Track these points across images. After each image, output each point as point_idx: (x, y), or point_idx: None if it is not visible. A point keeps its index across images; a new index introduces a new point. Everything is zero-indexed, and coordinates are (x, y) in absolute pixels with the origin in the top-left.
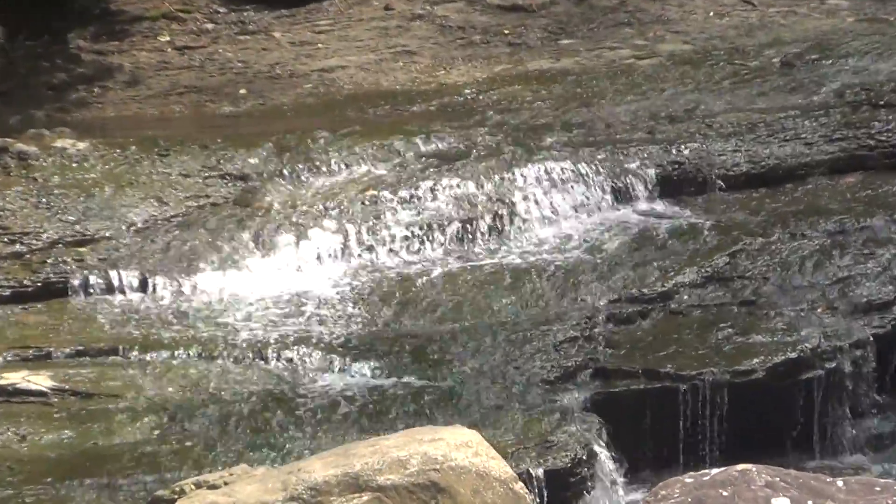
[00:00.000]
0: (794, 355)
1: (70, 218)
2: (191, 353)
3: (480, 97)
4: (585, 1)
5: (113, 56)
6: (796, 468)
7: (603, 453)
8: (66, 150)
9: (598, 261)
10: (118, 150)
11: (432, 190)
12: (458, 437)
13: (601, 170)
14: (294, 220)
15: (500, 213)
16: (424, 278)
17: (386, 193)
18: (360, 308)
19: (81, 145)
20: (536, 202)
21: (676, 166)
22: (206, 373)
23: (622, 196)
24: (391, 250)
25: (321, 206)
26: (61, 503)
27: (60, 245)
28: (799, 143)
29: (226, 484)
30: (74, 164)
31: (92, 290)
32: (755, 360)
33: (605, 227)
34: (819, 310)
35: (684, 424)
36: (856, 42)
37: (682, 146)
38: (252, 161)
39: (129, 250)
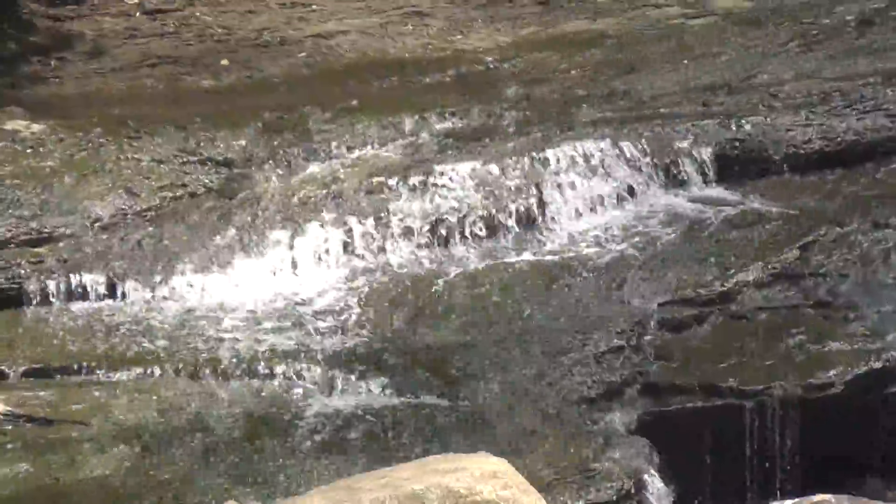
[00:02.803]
0: (877, 365)
1: (24, 213)
2: (168, 371)
3: (505, 66)
4: None
5: (72, 22)
6: (882, 499)
7: (654, 483)
8: (19, 133)
9: (646, 256)
10: (80, 133)
11: (450, 175)
12: (483, 466)
13: (648, 149)
14: (288, 213)
15: (529, 201)
16: (442, 280)
17: (395, 180)
18: (366, 315)
19: (37, 127)
20: (572, 188)
21: (736, 144)
22: (187, 393)
23: (673, 180)
24: (402, 247)
25: (319, 197)
26: None
27: (13, 245)
28: (880, 115)
29: None
30: (28, 150)
31: (51, 298)
32: (832, 372)
33: (653, 216)
34: None
35: (750, 448)
36: None
37: (743, 120)
38: (237, 144)
39: (94, 250)
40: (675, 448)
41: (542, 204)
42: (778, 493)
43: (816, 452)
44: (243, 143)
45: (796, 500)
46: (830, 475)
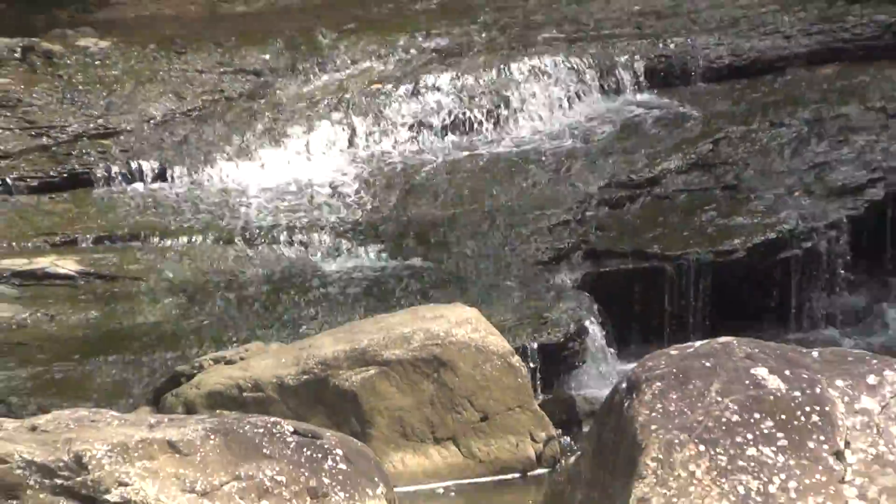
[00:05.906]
0: (772, 236)
1: (93, 112)
2: (207, 239)
3: None
4: None
5: None
6: (774, 341)
7: (594, 329)
8: (89, 49)
9: (590, 149)
10: (138, 48)
11: (434, 84)
12: (458, 314)
13: (592, 63)
14: (303, 112)
15: (497, 104)
16: (427, 167)
17: (390, 87)
18: (366, 196)
19: (103, 44)
20: (531, 94)
21: (663, 59)
22: (222, 257)
23: (612, 88)
24: (395, 141)
25: (329, 100)
26: (88, 379)
27: (85, 138)
28: (778, 36)
29: (242, 359)
30: (97, 62)
31: (114, 180)
32: (736, 241)
33: (595, 117)
34: (796, 193)
35: (670, 301)
36: None
37: (668, 40)
38: (264, 58)
39: (148, 142)
40: (611, 301)
41: (507, 107)
42: (691, 336)
43: (722, 305)
44: (268, 57)
45: (705, 341)
46: (734, 323)
